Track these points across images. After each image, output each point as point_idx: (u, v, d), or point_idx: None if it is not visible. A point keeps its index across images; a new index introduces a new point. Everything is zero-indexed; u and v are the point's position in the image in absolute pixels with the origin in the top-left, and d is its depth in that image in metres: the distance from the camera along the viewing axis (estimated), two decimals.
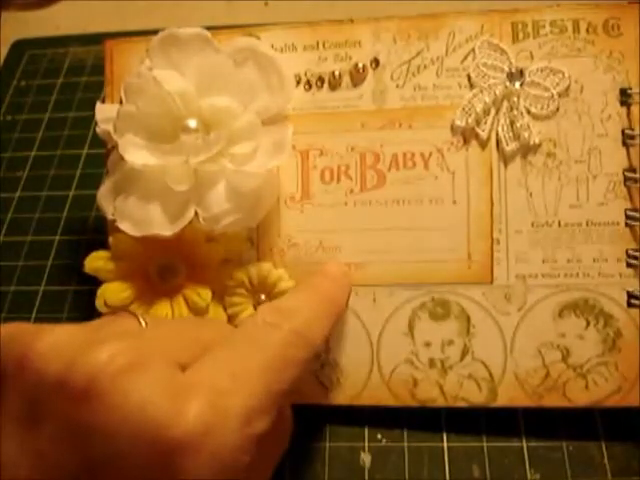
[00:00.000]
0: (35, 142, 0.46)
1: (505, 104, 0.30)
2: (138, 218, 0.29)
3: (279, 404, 0.23)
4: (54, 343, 0.20)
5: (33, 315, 0.38)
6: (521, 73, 0.30)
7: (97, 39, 0.49)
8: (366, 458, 0.31)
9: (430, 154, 0.30)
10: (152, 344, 0.22)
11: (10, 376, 0.20)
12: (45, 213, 0.42)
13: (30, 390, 0.20)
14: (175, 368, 0.21)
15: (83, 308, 0.37)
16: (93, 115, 0.32)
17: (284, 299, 0.27)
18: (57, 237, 0.41)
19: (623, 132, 0.29)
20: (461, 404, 0.30)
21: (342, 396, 0.31)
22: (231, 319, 0.31)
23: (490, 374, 0.30)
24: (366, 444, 0.32)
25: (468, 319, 0.30)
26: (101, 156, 0.34)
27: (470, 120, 0.30)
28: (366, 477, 0.31)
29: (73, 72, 0.49)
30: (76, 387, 0.19)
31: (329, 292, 0.28)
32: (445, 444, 0.31)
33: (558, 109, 0.30)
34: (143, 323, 0.23)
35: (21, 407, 0.20)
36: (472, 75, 0.30)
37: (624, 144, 0.29)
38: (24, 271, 0.40)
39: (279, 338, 0.23)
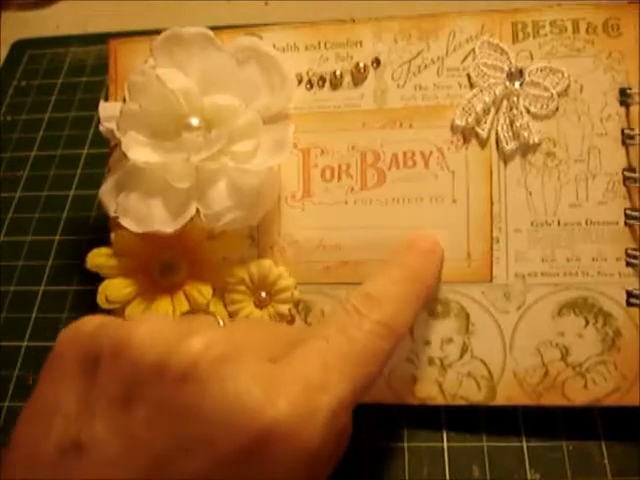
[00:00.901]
0: (35, 142, 0.45)
1: (505, 104, 0.30)
2: (140, 215, 0.29)
3: (359, 398, 0.23)
4: (151, 331, 0.21)
5: (33, 315, 0.38)
6: (521, 73, 0.30)
7: (97, 39, 0.50)
8: (366, 458, 0.31)
9: (430, 153, 0.31)
10: (242, 337, 0.23)
11: (106, 361, 0.21)
12: (45, 213, 0.42)
13: (126, 375, 0.21)
14: (266, 360, 0.22)
15: (83, 308, 0.37)
16: (93, 115, 0.32)
17: (373, 282, 0.26)
18: (57, 237, 0.41)
19: (622, 132, 0.29)
20: (460, 402, 0.30)
21: None
22: (231, 316, 0.31)
23: (489, 372, 0.30)
24: (367, 444, 0.31)
25: (467, 317, 0.30)
26: (101, 156, 0.34)
27: (470, 120, 0.30)
28: (366, 477, 0.30)
29: (73, 72, 0.49)
30: (175, 371, 0.20)
31: (419, 271, 0.28)
32: (445, 444, 0.31)
33: (558, 109, 0.30)
34: (221, 322, 0.24)
35: (116, 391, 0.21)
36: (472, 75, 0.31)
37: (623, 144, 0.29)
38: (24, 271, 0.40)
39: (367, 331, 0.24)
